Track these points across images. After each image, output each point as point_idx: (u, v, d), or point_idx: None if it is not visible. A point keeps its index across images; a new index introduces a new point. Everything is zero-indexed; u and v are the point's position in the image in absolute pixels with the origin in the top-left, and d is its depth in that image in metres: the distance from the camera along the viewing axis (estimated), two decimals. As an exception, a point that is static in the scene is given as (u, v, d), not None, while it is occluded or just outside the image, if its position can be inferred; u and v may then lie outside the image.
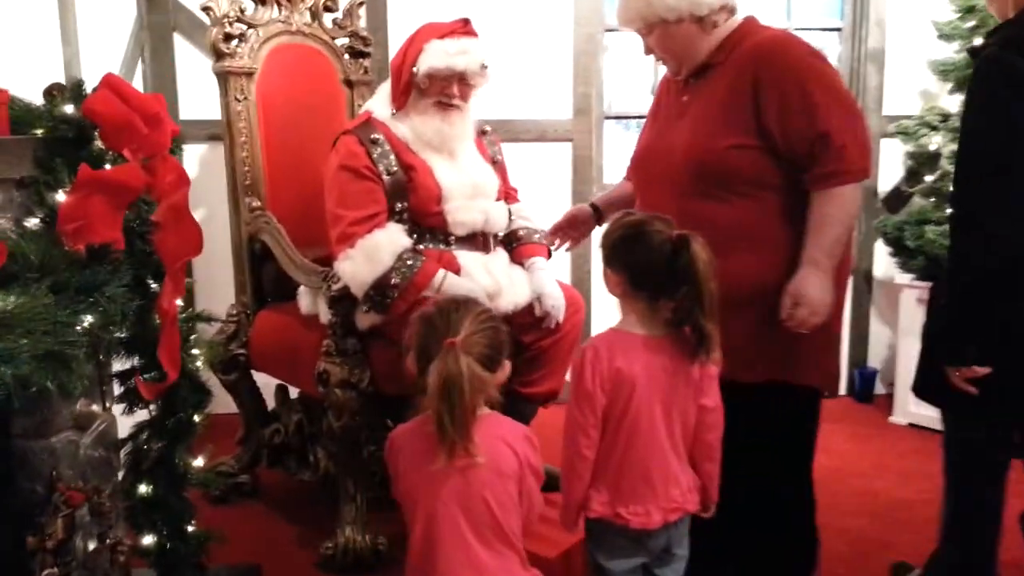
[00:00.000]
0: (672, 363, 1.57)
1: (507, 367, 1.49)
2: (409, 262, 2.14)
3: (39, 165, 1.46)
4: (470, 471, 1.41)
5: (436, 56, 2.23)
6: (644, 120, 2.11)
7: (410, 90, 2.28)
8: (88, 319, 1.28)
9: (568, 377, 1.75)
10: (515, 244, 2.47)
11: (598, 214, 2.27)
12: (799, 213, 1.75)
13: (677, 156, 1.83)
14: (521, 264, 2.41)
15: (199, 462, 1.87)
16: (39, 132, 1.49)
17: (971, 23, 3.01)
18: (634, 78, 3.53)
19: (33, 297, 1.20)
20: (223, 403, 2.32)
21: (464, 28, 2.29)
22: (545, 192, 3.15)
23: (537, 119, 3.39)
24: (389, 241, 2.16)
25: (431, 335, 1.42)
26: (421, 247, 2.24)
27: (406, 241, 2.19)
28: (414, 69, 2.24)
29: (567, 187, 3.45)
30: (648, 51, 1.92)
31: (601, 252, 1.64)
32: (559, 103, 3.41)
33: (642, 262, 1.55)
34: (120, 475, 1.79)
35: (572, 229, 2.33)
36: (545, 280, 2.34)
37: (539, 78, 3.35)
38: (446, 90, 2.27)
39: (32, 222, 1.44)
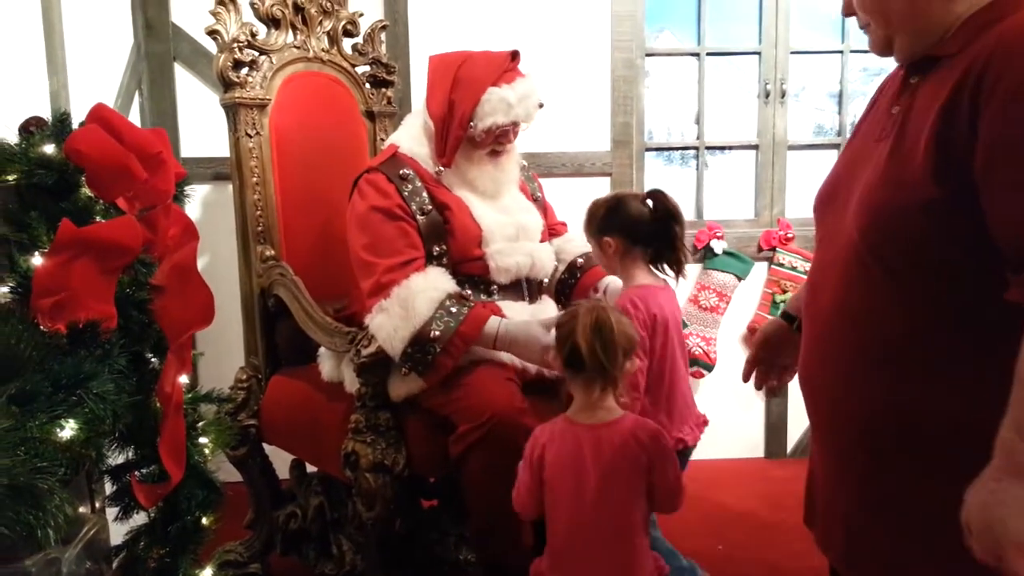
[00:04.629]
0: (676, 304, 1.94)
1: (636, 362, 1.59)
2: (453, 309, 1.83)
3: (9, 220, 1.17)
4: (605, 461, 1.50)
5: (500, 110, 1.94)
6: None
7: (459, 145, 1.99)
8: (69, 428, 0.97)
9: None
10: (578, 276, 2.19)
11: (793, 321, 1.49)
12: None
13: (851, 207, 1.17)
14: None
15: (208, 573, 1.57)
16: (11, 178, 1.19)
17: None
18: (677, 106, 3.24)
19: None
20: (227, 471, 1.98)
21: (514, 64, 2.01)
22: (582, 231, 2.82)
23: (573, 151, 3.09)
24: (428, 287, 1.84)
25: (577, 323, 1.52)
26: (469, 294, 1.94)
27: (448, 286, 1.88)
28: (471, 124, 1.95)
29: (606, 226, 3.14)
30: (848, 10, 1.24)
31: (589, 229, 1.95)
32: (596, 134, 3.11)
33: (632, 219, 1.88)
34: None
35: (772, 355, 1.54)
36: None
37: (574, 107, 3.06)
38: (502, 139, 2.01)
39: (-3, 295, 1.15)
